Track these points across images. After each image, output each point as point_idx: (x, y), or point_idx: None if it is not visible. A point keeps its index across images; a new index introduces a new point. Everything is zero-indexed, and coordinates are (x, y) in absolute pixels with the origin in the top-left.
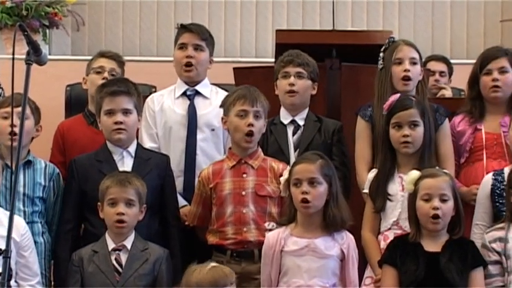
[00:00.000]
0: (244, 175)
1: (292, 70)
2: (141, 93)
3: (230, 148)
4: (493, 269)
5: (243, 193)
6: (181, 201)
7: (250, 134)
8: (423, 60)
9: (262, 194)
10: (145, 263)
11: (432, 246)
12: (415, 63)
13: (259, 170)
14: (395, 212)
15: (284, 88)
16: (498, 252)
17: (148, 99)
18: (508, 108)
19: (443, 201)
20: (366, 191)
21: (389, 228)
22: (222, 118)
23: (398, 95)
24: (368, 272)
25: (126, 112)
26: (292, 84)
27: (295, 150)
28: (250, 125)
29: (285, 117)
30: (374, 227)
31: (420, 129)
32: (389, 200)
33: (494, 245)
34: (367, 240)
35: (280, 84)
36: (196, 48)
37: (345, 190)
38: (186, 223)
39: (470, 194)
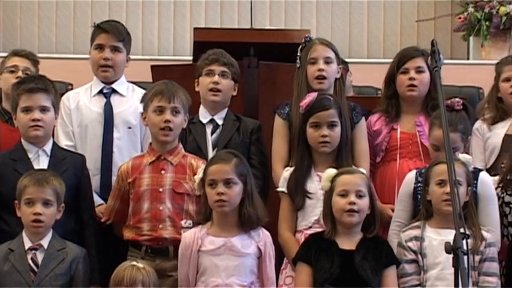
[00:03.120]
0: (163, 171)
1: (217, 69)
2: (58, 91)
3: (151, 144)
4: (409, 267)
5: (160, 190)
6: (98, 199)
7: (166, 129)
8: None
9: (180, 191)
10: (61, 263)
11: (347, 244)
12: (329, 63)
13: (178, 167)
14: (316, 210)
15: (207, 86)
16: (414, 251)
17: (64, 97)
18: (424, 107)
19: (359, 196)
20: (281, 189)
21: (310, 227)
22: (142, 113)
23: (315, 93)
24: (288, 271)
25: (43, 109)
26: (216, 83)
27: (213, 149)
28: (167, 121)
29: (204, 116)
30: (291, 225)
31: (338, 129)
32: (309, 198)
33: (410, 244)
34: (286, 239)
35: (204, 82)
36: (114, 49)
37: (264, 189)
38: (102, 220)
39: (386, 215)
